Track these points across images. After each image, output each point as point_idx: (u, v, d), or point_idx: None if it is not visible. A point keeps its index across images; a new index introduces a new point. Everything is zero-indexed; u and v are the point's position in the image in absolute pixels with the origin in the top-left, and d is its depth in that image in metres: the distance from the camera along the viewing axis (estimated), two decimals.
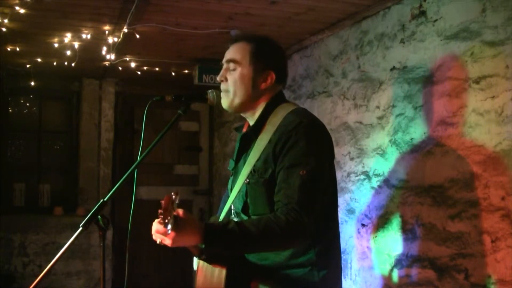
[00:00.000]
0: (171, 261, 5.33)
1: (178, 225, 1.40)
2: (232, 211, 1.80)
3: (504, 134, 2.10)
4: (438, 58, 2.46)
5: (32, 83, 4.46)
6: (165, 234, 1.40)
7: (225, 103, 1.78)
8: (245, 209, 1.72)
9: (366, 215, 2.98)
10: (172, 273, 5.39)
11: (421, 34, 2.58)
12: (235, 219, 1.76)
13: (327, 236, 1.71)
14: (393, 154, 2.74)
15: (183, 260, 5.03)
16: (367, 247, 2.96)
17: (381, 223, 2.84)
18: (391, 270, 2.73)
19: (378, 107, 2.90)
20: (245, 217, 1.71)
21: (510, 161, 2.07)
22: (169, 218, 1.36)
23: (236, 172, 1.84)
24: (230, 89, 1.76)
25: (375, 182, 2.90)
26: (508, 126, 2.09)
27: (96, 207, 1.47)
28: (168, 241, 1.42)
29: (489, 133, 2.17)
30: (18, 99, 5.16)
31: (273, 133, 1.68)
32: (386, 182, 2.80)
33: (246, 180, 1.70)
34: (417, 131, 2.57)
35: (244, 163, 1.75)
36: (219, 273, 1.59)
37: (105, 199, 1.49)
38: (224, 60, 1.81)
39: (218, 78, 1.81)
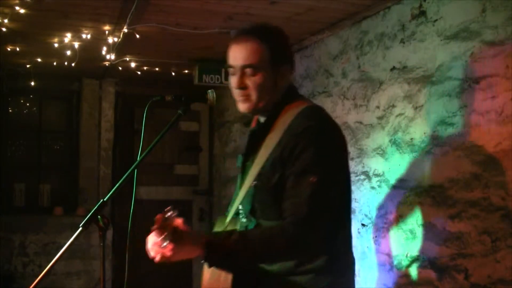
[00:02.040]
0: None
1: (178, 236, 1.37)
2: (240, 212, 1.74)
3: (504, 134, 2.10)
4: (438, 58, 2.46)
5: (32, 83, 4.45)
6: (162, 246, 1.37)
7: (245, 108, 1.66)
8: (253, 212, 1.66)
9: (366, 215, 2.98)
10: (172, 273, 5.39)
11: (421, 34, 2.58)
12: (244, 220, 1.71)
13: (337, 242, 1.64)
14: (393, 154, 2.74)
15: (183, 260, 5.02)
16: (367, 247, 2.96)
17: (381, 223, 2.84)
18: (391, 270, 2.73)
19: (378, 107, 2.90)
20: (254, 220, 1.66)
21: (510, 161, 2.07)
22: (165, 234, 1.34)
23: (244, 170, 1.75)
24: (253, 94, 1.64)
25: (375, 182, 2.90)
26: (508, 126, 2.08)
27: (96, 207, 1.46)
28: (167, 254, 1.39)
29: (489, 133, 2.17)
30: (18, 99, 5.16)
31: (284, 133, 1.60)
32: (386, 182, 2.80)
33: (253, 182, 1.63)
34: (417, 131, 2.57)
35: (253, 162, 1.67)
36: (225, 275, 1.57)
37: (105, 199, 1.49)
38: (237, 65, 1.64)
39: (236, 86, 1.65)
